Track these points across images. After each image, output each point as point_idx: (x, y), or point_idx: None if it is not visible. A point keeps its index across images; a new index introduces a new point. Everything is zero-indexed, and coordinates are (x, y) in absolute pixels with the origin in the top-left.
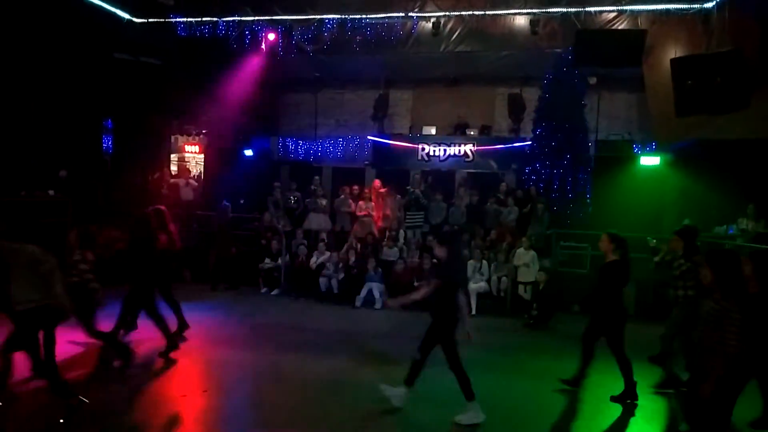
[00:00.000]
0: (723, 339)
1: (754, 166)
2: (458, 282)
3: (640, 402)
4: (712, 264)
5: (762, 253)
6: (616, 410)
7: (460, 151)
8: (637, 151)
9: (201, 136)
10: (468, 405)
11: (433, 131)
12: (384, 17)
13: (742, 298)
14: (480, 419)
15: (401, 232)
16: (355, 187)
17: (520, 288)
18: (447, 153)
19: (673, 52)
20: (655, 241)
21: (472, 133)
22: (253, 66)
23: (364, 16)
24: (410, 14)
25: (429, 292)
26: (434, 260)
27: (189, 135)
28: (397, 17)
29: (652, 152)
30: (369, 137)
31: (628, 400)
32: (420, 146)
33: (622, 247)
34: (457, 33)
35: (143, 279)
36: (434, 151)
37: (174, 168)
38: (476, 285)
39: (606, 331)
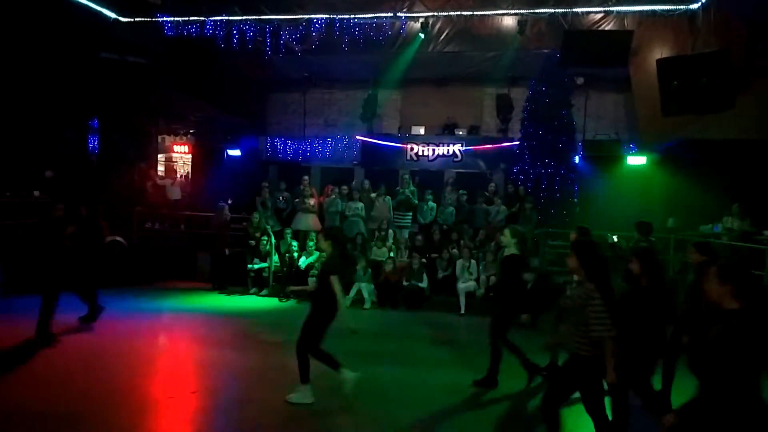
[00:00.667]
0: (587, 322)
1: (740, 165)
2: (343, 275)
3: None
4: (575, 251)
5: (645, 249)
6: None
7: (448, 151)
8: (624, 150)
9: (189, 135)
10: (300, 386)
11: (422, 131)
12: (372, 17)
13: (604, 283)
14: (309, 400)
15: (390, 232)
16: (344, 187)
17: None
18: (436, 153)
19: (660, 52)
20: (615, 238)
21: (460, 133)
22: (241, 65)
23: (352, 16)
24: (398, 14)
25: (316, 286)
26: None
27: (176, 135)
28: (386, 17)
29: (639, 152)
30: (358, 137)
31: (486, 386)
32: (409, 146)
33: (522, 241)
34: (445, 33)
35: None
36: (423, 151)
37: (161, 168)
38: (465, 284)
39: (499, 318)
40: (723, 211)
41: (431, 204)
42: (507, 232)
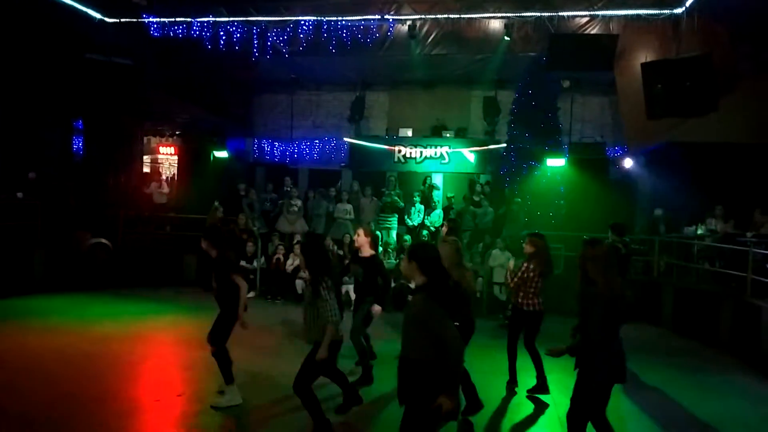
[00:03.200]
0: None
1: (722, 168)
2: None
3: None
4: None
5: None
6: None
7: (436, 153)
8: (610, 153)
9: (175, 137)
10: (227, 388)
11: (410, 133)
12: (360, 19)
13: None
14: (238, 401)
15: (378, 234)
16: (332, 189)
17: (495, 289)
18: (423, 155)
19: (644, 56)
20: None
21: (448, 135)
22: (227, 67)
23: (340, 18)
24: (386, 17)
25: (236, 286)
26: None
27: (162, 136)
28: (373, 20)
29: (624, 154)
30: (345, 139)
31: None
32: (396, 148)
33: (375, 240)
34: (432, 36)
35: None
36: (410, 152)
37: (146, 169)
38: None
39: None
40: (706, 213)
41: (419, 206)
42: (361, 231)
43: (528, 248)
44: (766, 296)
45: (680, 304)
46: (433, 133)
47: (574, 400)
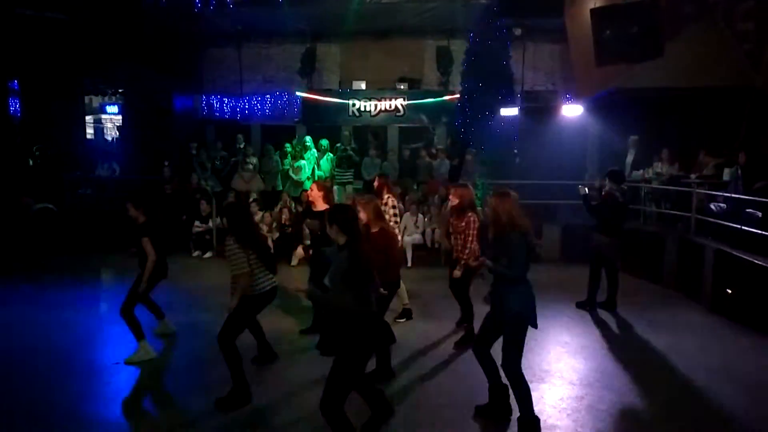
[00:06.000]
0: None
1: (668, 112)
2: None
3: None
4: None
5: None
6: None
7: (390, 106)
8: (561, 100)
9: (118, 95)
10: (139, 344)
11: (363, 86)
12: None
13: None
14: (151, 355)
15: (336, 188)
16: (288, 145)
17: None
18: (378, 108)
19: (593, 2)
20: (586, 189)
21: (402, 87)
22: (170, 19)
23: None
24: None
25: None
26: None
27: (105, 95)
28: None
29: (575, 102)
30: (298, 93)
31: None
32: (350, 102)
33: (328, 193)
34: None
35: None
36: (365, 106)
37: (90, 131)
38: (410, 237)
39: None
40: (653, 156)
41: (375, 160)
42: (313, 186)
43: (453, 200)
44: (708, 235)
45: (628, 245)
46: (386, 85)
47: (485, 333)
